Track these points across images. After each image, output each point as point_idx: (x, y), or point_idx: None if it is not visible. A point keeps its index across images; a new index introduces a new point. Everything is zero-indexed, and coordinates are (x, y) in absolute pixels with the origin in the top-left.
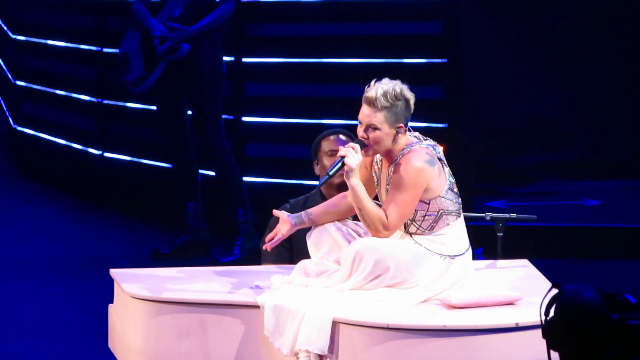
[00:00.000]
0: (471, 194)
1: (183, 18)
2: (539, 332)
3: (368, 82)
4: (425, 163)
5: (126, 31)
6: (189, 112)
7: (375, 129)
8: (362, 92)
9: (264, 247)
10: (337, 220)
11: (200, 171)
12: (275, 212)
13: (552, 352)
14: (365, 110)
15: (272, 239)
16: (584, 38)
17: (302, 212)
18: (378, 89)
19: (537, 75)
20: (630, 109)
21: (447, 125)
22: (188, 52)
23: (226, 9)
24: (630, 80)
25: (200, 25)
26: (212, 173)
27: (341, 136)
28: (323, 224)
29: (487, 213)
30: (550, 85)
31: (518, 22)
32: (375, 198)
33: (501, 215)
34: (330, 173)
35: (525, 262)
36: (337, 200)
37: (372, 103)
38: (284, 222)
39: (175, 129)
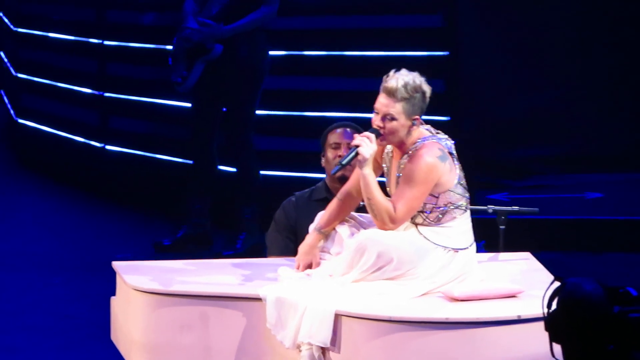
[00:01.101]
0: (473, 187)
1: (221, 17)
2: (541, 324)
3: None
4: (437, 159)
5: (177, 31)
6: (223, 110)
7: (393, 119)
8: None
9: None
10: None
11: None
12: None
13: (554, 344)
14: (383, 100)
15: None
16: (583, 31)
17: (315, 235)
18: (399, 79)
19: (538, 68)
20: (632, 101)
21: (448, 119)
22: (223, 52)
23: (267, 11)
24: (630, 73)
25: (234, 26)
26: (228, 169)
27: (348, 129)
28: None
29: (489, 206)
30: (551, 78)
31: (517, 16)
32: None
33: (503, 208)
34: (344, 162)
35: (527, 255)
36: (339, 207)
37: (392, 93)
38: (313, 255)
39: (206, 128)
